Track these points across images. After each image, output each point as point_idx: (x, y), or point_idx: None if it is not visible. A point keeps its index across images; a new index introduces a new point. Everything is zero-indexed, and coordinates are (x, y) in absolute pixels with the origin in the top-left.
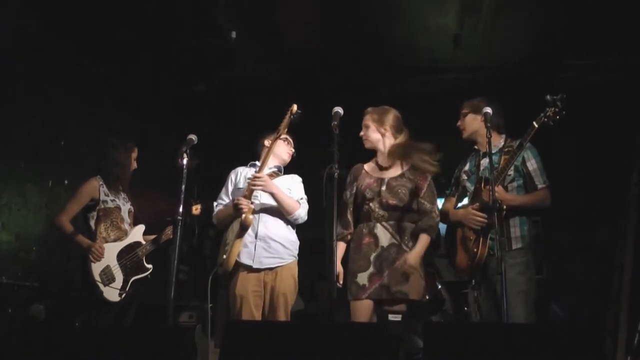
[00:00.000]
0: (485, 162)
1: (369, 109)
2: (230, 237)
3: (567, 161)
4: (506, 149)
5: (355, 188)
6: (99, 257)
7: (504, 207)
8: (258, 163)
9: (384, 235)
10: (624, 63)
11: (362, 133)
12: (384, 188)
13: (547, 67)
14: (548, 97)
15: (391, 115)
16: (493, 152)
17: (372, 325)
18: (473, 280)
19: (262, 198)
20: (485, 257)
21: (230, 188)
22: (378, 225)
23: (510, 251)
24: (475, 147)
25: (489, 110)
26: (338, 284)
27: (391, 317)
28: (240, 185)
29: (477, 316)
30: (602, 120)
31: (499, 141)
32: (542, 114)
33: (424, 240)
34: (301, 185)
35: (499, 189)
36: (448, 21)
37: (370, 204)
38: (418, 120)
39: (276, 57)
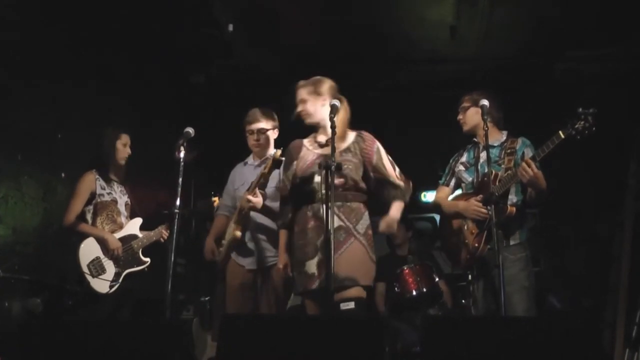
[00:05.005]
0: (485, 154)
1: (301, 82)
2: (226, 237)
3: (566, 153)
4: (508, 150)
5: (294, 167)
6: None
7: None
8: (251, 161)
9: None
10: (623, 54)
11: (299, 109)
12: None
13: (545, 59)
14: (580, 109)
15: (326, 85)
16: (495, 145)
17: (369, 319)
18: (470, 275)
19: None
20: (486, 251)
21: (229, 188)
22: (323, 207)
23: (509, 247)
24: (475, 139)
25: (485, 102)
26: (288, 273)
27: (343, 306)
28: (236, 186)
29: (475, 309)
30: (601, 112)
31: (500, 136)
32: (569, 125)
33: (398, 205)
34: None
35: (533, 166)
36: (445, 13)
37: (314, 184)
38: (415, 112)
39: (274, 49)
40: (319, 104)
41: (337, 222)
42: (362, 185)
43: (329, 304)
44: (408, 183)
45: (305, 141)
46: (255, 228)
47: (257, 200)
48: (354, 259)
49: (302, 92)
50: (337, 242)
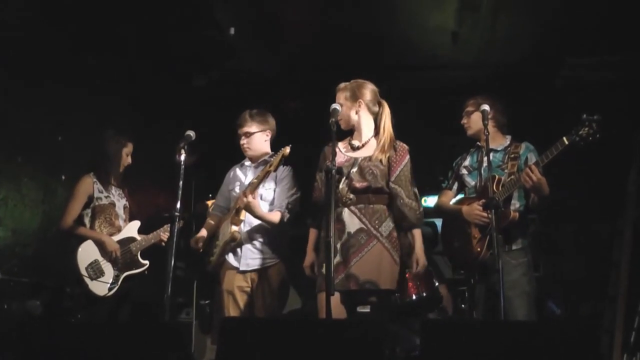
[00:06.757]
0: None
1: (341, 85)
2: (220, 237)
3: (566, 159)
4: (512, 155)
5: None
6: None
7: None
8: (247, 163)
9: (351, 220)
10: (624, 61)
11: None
12: (354, 169)
13: (547, 65)
14: (585, 116)
15: (366, 90)
16: (498, 149)
17: (369, 323)
18: (472, 280)
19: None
20: (488, 255)
21: (224, 190)
22: (345, 210)
23: (510, 251)
24: (479, 143)
25: (486, 107)
26: (309, 273)
27: (359, 308)
28: (231, 187)
29: (476, 314)
30: (602, 118)
31: (504, 141)
32: (574, 132)
33: (418, 234)
34: (288, 182)
35: (536, 172)
36: (447, 19)
37: (339, 186)
38: (417, 117)
39: (275, 54)
40: (354, 109)
41: (357, 225)
42: (387, 189)
43: (329, 306)
44: (419, 206)
45: (340, 143)
46: (252, 230)
47: (251, 200)
48: (375, 262)
49: (339, 96)
50: (357, 245)
